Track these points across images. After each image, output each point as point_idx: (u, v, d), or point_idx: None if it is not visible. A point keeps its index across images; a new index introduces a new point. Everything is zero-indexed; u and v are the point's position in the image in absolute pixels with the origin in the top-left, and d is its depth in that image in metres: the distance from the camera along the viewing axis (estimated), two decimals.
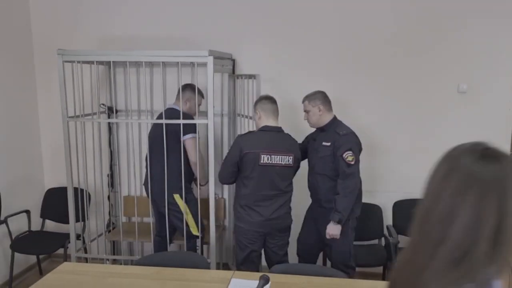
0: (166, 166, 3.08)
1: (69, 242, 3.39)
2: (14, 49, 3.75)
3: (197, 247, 3.29)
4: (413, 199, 3.64)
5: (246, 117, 3.49)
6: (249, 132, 3.06)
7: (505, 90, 3.47)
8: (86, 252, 3.62)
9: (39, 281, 2.20)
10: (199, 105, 3.31)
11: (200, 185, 3.25)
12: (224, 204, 3.89)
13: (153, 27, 3.76)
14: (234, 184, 3.01)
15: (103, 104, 3.77)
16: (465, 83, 3.48)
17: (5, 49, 3.64)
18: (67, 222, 3.34)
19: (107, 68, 3.80)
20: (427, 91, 3.55)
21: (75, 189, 3.31)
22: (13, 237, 3.58)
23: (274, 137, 2.86)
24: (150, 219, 3.40)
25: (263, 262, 3.13)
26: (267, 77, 3.58)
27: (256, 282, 1.61)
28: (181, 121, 3.05)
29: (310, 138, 3.11)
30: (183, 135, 3.07)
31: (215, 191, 3.20)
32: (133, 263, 2.53)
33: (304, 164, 3.11)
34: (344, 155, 2.79)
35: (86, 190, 3.47)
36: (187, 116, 3.11)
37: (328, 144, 2.87)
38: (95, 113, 3.51)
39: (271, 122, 2.89)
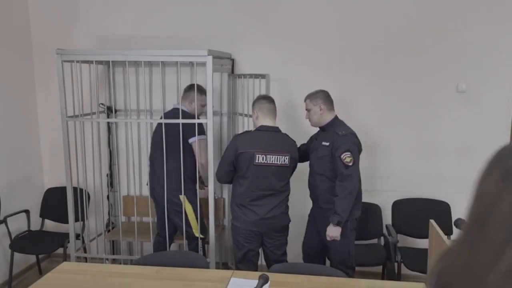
0: (167, 167, 3.08)
1: (69, 242, 3.39)
2: (13, 49, 3.74)
3: (200, 248, 3.28)
4: (412, 198, 3.65)
5: (250, 116, 3.48)
6: (246, 131, 3.06)
7: (504, 89, 3.47)
8: (85, 252, 3.62)
9: (39, 280, 2.20)
10: (204, 105, 3.32)
11: (205, 186, 3.26)
12: (223, 204, 3.89)
13: (152, 27, 3.76)
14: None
15: (102, 104, 3.77)
16: (464, 82, 3.48)
17: (4, 49, 3.63)
18: (66, 221, 3.34)
19: (106, 68, 3.80)
20: (427, 91, 3.55)
21: (75, 189, 3.31)
22: (13, 237, 3.58)
23: (271, 137, 2.86)
24: (149, 219, 3.39)
25: (263, 262, 3.13)
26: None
27: (256, 282, 1.61)
28: (180, 121, 3.05)
29: (313, 138, 3.11)
30: (192, 136, 3.06)
31: (215, 191, 3.20)
32: (132, 262, 2.53)
33: (306, 164, 3.11)
34: (342, 156, 2.76)
35: (85, 190, 3.47)
36: (192, 116, 3.11)
37: (327, 144, 2.86)
38: (94, 113, 3.50)
39: (268, 122, 2.89)
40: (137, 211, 3.44)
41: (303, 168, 3.06)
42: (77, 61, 3.14)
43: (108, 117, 3.80)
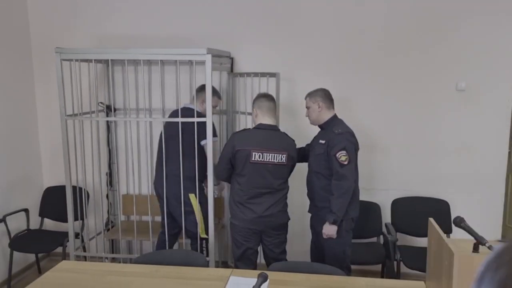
0: (182, 165, 3.08)
1: (68, 241, 3.39)
2: (12, 48, 3.74)
3: (203, 248, 3.27)
4: (411, 197, 3.65)
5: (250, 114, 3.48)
6: (244, 129, 3.08)
7: (503, 87, 3.47)
8: (85, 251, 3.62)
9: (38, 279, 2.20)
10: (215, 106, 3.31)
11: (213, 184, 3.25)
12: (222, 203, 3.89)
13: (151, 25, 3.75)
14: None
15: (101, 103, 3.77)
16: (464, 81, 3.48)
17: (3, 48, 3.63)
18: (66, 220, 3.34)
19: (105, 67, 3.79)
20: (426, 90, 3.55)
21: (74, 188, 3.31)
22: (12, 236, 3.58)
23: (268, 135, 2.86)
24: (149, 218, 3.39)
25: (262, 260, 3.13)
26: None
27: (255, 280, 1.61)
28: (179, 119, 3.05)
29: (314, 137, 3.10)
30: (203, 138, 3.05)
31: (214, 190, 3.20)
32: (132, 261, 2.53)
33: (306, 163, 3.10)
34: (337, 155, 2.73)
35: (84, 189, 3.46)
36: (203, 117, 3.09)
37: (323, 142, 2.84)
38: (93, 112, 3.50)
39: (266, 120, 2.89)
40: (136, 210, 3.44)
41: (303, 167, 3.06)
42: (76, 60, 3.14)
43: (107, 116, 3.79)
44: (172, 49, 3.08)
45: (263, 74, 3.45)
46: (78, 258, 3.43)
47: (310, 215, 3.06)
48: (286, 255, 3.07)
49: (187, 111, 3.13)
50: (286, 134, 3.00)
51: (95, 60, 3.21)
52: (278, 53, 3.65)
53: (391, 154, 3.67)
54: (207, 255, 3.18)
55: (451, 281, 1.61)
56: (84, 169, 3.33)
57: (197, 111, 3.11)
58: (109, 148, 3.92)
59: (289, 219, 3.01)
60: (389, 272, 3.39)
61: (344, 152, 2.73)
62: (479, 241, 1.67)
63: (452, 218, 1.93)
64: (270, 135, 2.87)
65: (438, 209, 3.54)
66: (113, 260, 3.80)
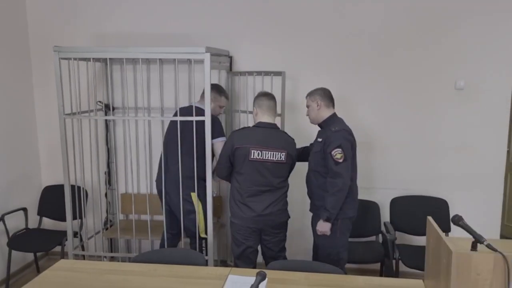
0: (182, 165, 3.08)
1: (67, 240, 3.39)
2: (11, 46, 3.73)
3: (203, 248, 3.27)
4: (410, 196, 3.66)
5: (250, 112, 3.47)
6: (244, 127, 3.08)
7: (502, 86, 3.47)
8: (83, 250, 3.62)
9: (36, 278, 2.20)
10: (222, 107, 3.31)
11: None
12: (221, 202, 3.89)
13: (150, 24, 3.75)
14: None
15: (100, 102, 3.76)
16: (462, 79, 3.48)
17: (1, 47, 3.62)
18: (64, 219, 3.34)
19: (104, 65, 3.78)
20: (425, 89, 3.55)
21: (72, 187, 3.31)
22: (10, 235, 3.58)
23: (267, 133, 2.86)
24: (147, 217, 3.39)
25: (262, 259, 3.13)
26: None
27: (253, 279, 1.61)
28: (178, 118, 3.05)
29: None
30: (212, 138, 3.03)
31: (212, 189, 3.20)
32: (130, 260, 2.52)
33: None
34: (332, 153, 2.72)
35: (83, 188, 3.46)
36: (213, 116, 3.08)
37: (321, 140, 2.84)
38: (91, 110, 3.49)
39: (266, 119, 2.90)
40: (135, 209, 3.44)
41: (303, 165, 3.06)
42: (75, 59, 3.13)
43: (106, 114, 3.79)
44: (170, 47, 3.08)
45: (267, 73, 3.44)
46: (76, 257, 3.42)
47: (311, 214, 3.04)
48: (286, 253, 3.07)
49: (190, 109, 3.09)
50: (286, 133, 3.00)
51: (93, 58, 3.21)
52: (277, 52, 3.64)
53: (390, 153, 3.67)
54: (206, 254, 3.18)
55: (449, 279, 1.61)
56: (83, 168, 3.33)
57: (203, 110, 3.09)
58: (107, 147, 3.91)
59: (289, 217, 3.01)
60: (387, 271, 3.40)
61: (340, 150, 2.71)
62: (477, 240, 1.67)
63: (451, 216, 1.94)
64: (270, 133, 2.87)
65: (437, 208, 3.55)
66: (112, 259, 3.80)
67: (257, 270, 1.68)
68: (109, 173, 3.94)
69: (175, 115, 3.26)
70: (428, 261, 2.01)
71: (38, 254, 3.95)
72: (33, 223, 3.85)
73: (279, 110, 3.28)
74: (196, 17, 3.70)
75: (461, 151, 3.57)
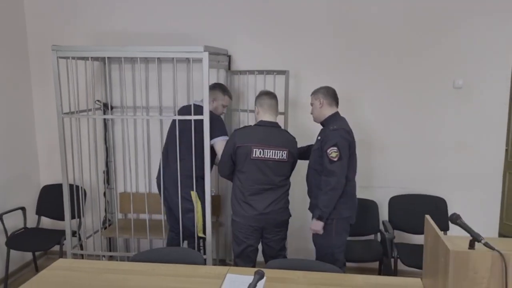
0: (181, 164, 3.07)
1: (65, 239, 3.38)
2: (9, 45, 3.72)
3: (201, 247, 3.27)
4: (409, 195, 3.66)
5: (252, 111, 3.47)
6: (245, 126, 3.09)
7: (500, 85, 3.47)
8: (82, 249, 3.62)
9: (34, 277, 2.20)
10: (226, 106, 3.30)
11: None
12: (219, 200, 3.89)
13: (148, 23, 3.74)
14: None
15: (98, 101, 3.76)
16: (461, 78, 3.49)
17: None
18: (62, 219, 3.34)
19: (102, 64, 3.78)
20: (424, 87, 3.55)
21: (71, 186, 3.30)
22: (9, 234, 3.57)
23: (268, 131, 2.86)
24: (146, 216, 3.39)
25: (261, 258, 3.13)
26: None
27: (251, 278, 1.61)
28: (177, 117, 3.05)
29: None
30: (214, 136, 3.03)
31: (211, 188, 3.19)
32: (129, 259, 2.52)
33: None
34: (328, 151, 2.71)
35: (81, 187, 3.45)
36: (212, 115, 3.06)
37: (320, 138, 2.85)
38: (90, 110, 3.49)
39: (267, 117, 2.91)
40: (133, 208, 3.44)
41: (304, 164, 3.06)
42: (73, 58, 3.12)
43: (104, 113, 3.78)
44: (169, 46, 3.07)
45: (269, 72, 3.44)
46: (75, 256, 3.42)
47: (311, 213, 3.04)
48: (286, 252, 3.07)
49: (196, 108, 3.07)
50: (287, 131, 3.01)
51: (92, 57, 3.20)
52: (276, 52, 3.64)
53: (389, 152, 3.67)
54: (205, 253, 3.18)
55: (447, 277, 1.61)
56: (81, 167, 3.33)
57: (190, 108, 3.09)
58: (106, 146, 3.91)
59: (290, 216, 3.01)
60: (386, 270, 3.40)
61: (335, 148, 2.70)
62: (475, 238, 1.67)
63: (449, 215, 1.94)
64: (271, 132, 2.87)
65: (435, 207, 3.55)
66: (110, 258, 3.80)
67: (255, 269, 1.68)
68: (107, 172, 3.94)
69: (179, 112, 3.25)
70: (426, 260, 2.01)
71: (37, 253, 3.94)
72: (31, 222, 3.85)
73: (282, 109, 3.29)
74: (194, 17, 3.69)
75: (460, 150, 3.58)
